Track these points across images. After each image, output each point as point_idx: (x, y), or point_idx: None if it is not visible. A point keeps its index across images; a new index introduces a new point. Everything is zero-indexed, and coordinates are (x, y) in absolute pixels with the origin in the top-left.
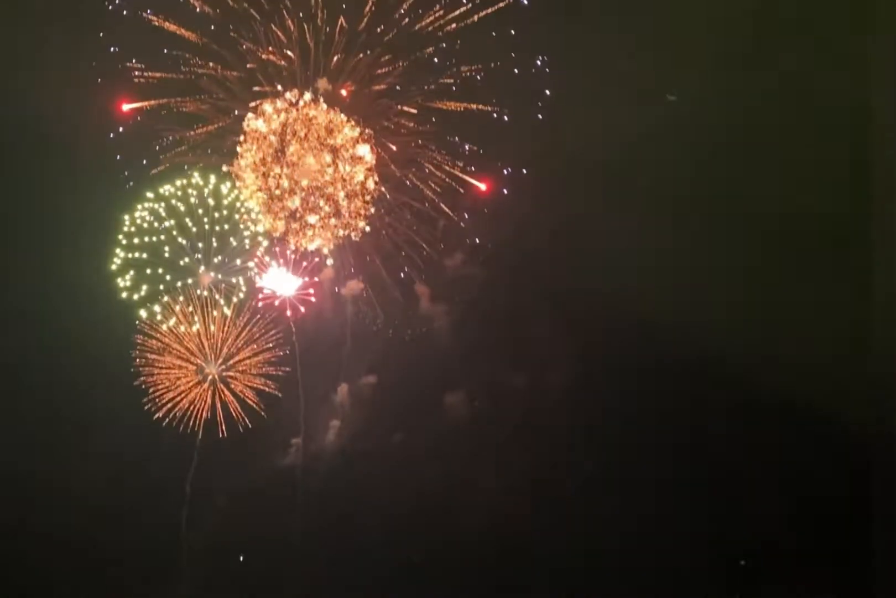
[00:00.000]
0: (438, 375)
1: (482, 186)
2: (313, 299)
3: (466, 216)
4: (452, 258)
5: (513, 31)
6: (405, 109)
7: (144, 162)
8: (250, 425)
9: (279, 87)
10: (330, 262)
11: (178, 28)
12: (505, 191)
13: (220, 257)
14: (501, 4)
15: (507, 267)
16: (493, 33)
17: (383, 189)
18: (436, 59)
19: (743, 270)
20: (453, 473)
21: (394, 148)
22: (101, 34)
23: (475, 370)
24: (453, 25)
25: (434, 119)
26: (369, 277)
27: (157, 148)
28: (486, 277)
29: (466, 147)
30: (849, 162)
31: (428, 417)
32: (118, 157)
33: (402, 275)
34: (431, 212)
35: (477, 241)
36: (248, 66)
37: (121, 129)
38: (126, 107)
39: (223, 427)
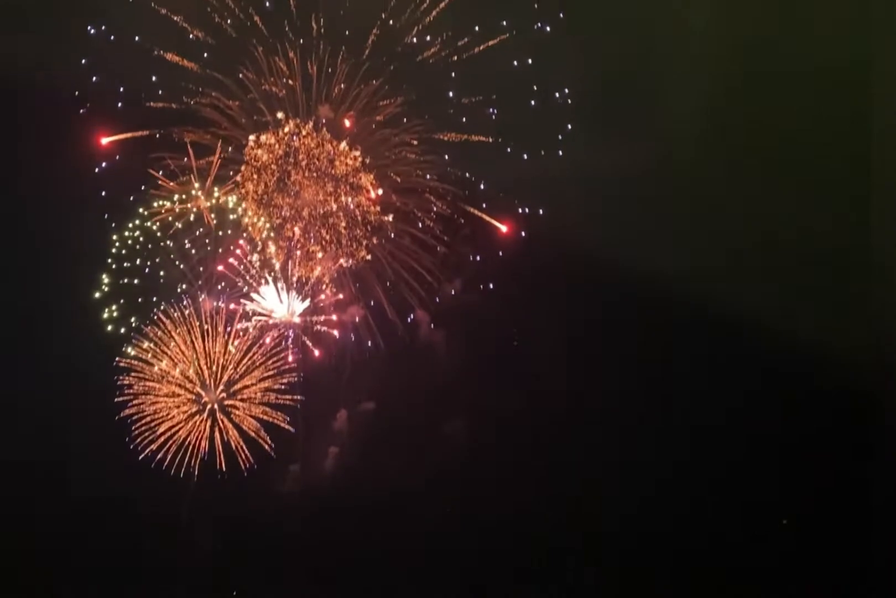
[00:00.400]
0: (439, 401)
1: (503, 228)
2: (335, 333)
3: (468, 248)
4: (453, 285)
5: (530, 61)
6: (410, 139)
7: (132, 198)
8: (253, 461)
9: (280, 115)
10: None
11: (180, 58)
12: (523, 233)
13: (224, 283)
14: (504, 36)
15: (509, 294)
16: (515, 62)
17: (385, 218)
18: (450, 94)
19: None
20: (454, 498)
21: (397, 178)
22: (84, 61)
23: (476, 396)
24: (454, 57)
25: (441, 152)
26: (370, 304)
27: (144, 187)
28: (487, 303)
29: (481, 185)
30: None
31: (428, 443)
32: (103, 193)
33: (402, 302)
34: (432, 240)
35: (491, 285)
36: (249, 96)
37: (104, 163)
38: (105, 140)
39: (222, 459)
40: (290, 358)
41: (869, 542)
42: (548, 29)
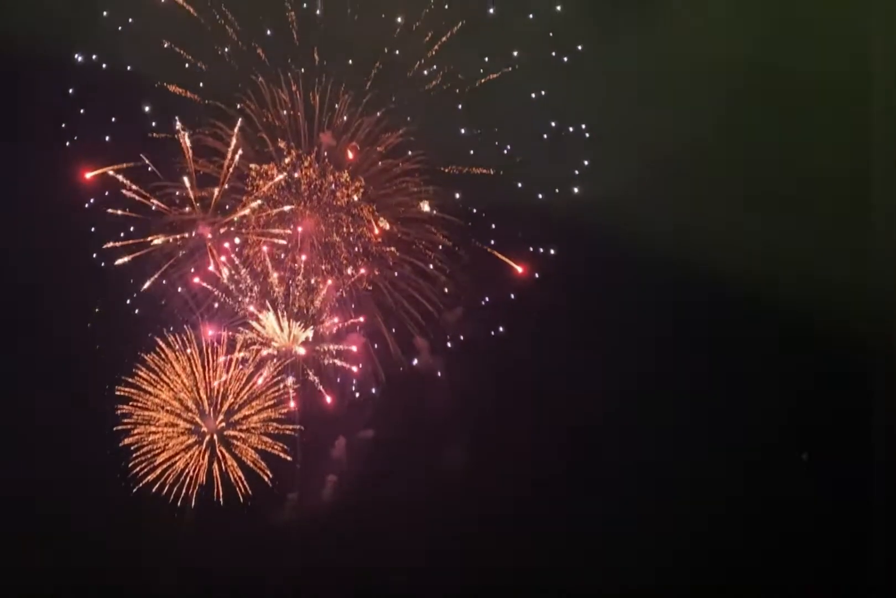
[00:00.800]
0: (438, 429)
1: (519, 269)
2: (336, 362)
3: (471, 282)
4: (453, 313)
5: (543, 93)
6: (412, 170)
7: (121, 235)
8: (251, 493)
9: (281, 145)
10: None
11: (183, 90)
12: (537, 275)
13: (224, 310)
14: (507, 69)
15: (511, 324)
16: (532, 95)
17: (388, 249)
18: (457, 125)
19: None
20: (453, 529)
21: (400, 209)
22: (71, 90)
23: (475, 425)
24: (463, 88)
25: (447, 185)
26: (370, 332)
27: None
28: (488, 332)
29: (492, 224)
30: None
31: (427, 472)
32: (92, 229)
33: (404, 332)
34: (433, 271)
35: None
36: (251, 125)
37: (92, 199)
38: (89, 174)
39: (220, 490)
40: (293, 405)
41: (869, 541)
42: (565, 59)
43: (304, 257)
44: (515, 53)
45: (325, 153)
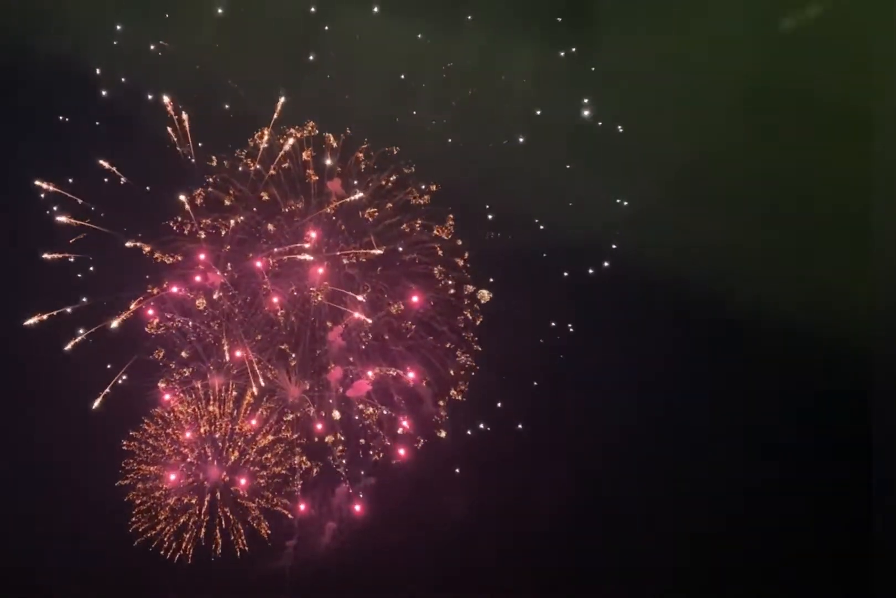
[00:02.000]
0: (438, 478)
1: (540, 340)
2: (337, 414)
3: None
4: (456, 363)
5: (568, 166)
6: (423, 225)
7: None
8: (249, 548)
9: (290, 202)
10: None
11: (191, 151)
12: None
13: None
14: (521, 140)
15: (511, 370)
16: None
17: (394, 306)
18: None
19: None
20: (451, 577)
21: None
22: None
23: (475, 475)
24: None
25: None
26: (373, 380)
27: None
28: (490, 380)
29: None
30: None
31: (427, 520)
32: (84, 299)
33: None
34: (436, 325)
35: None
36: (262, 183)
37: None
38: (48, 256)
39: (219, 545)
40: (302, 508)
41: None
42: (599, 124)
43: (312, 311)
44: (539, 112)
45: (333, 213)
